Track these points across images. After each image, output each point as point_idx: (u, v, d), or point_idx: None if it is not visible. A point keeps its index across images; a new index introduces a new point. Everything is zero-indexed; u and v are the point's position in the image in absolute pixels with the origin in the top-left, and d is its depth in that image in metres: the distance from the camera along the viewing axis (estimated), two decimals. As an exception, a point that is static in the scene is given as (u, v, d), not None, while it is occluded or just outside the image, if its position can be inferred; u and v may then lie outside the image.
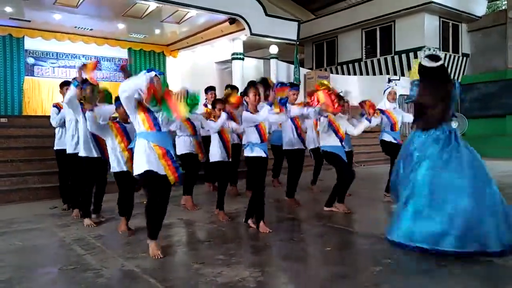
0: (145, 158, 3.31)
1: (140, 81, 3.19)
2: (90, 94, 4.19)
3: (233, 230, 4.40)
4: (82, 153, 4.53)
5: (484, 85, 14.21)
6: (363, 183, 7.05)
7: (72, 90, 4.33)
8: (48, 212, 5.39)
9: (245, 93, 4.45)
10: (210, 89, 6.63)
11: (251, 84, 4.44)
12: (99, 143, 4.49)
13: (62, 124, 5.24)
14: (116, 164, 4.12)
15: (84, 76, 4.35)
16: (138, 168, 3.37)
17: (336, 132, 4.99)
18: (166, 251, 3.56)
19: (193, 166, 5.55)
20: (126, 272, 3.10)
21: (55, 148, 5.38)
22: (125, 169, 4.09)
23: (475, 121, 13.57)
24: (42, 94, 12.01)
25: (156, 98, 3.24)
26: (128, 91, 3.22)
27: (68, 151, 4.97)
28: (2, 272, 3.12)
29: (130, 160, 3.82)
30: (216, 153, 4.87)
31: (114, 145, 4.11)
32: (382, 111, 5.55)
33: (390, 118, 5.62)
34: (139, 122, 3.35)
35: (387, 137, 5.68)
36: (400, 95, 11.03)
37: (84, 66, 4.41)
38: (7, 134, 7.63)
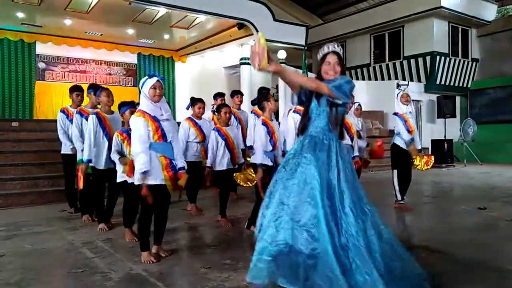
0: (151, 169, 3.33)
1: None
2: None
3: (239, 235, 4.41)
4: (101, 166, 4.51)
5: (493, 90, 14.09)
6: (372, 188, 7.03)
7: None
8: (58, 215, 5.44)
9: (259, 100, 4.43)
10: (219, 95, 6.63)
11: (268, 92, 4.42)
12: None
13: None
14: (122, 175, 4.12)
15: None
16: (138, 179, 3.39)
17: (347, 130, 5.10)
18: (173, 255, 3.58)
19: (198, 174, 5.55)
20: (134, 275, 3.12)
21: (61, 152, 5.40)
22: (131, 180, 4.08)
23: (484, 127, 13.45)
24: (52, 98, 12.15)
25: None
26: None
27: (79, 157, 4.98)
28: (12, 274, 3.16)
29: (131, 170, 3.70)
30: (221, 162, 4.87)
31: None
32: (399, 116, 5.52)
33: (407, 123, 5.46)
34: (149, 133, 3.36)
35: (399, 142, 5.54)
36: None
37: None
38: (18, 138, 7.72)
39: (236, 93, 6.73)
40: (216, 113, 6.36)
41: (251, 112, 6.31)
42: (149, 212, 3.45)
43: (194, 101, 5.57)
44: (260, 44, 2.33)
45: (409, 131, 5.46)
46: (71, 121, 5.19)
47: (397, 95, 5.74)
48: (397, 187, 5.58)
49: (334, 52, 2.74)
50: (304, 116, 2.77)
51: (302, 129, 2.75)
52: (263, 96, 4.38)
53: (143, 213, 3.45)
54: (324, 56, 2.75)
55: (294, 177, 2.53)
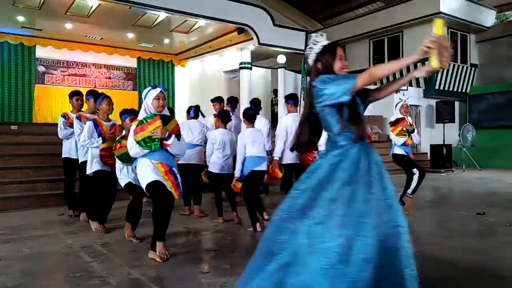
0: (151, 171, 3.42)
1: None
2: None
3: (239, 239, 4.41)
4: (92, 168, 4.57)
5: (492, 96, 14.12)
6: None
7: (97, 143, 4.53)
8: (56, 218, 5.43)
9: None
10: (217, 99, 6.71)
11: None
12: None
13: (69, 136, 5.28)
14: (126, 176, 4.18)
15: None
16: (146, 180, 3.45)
17: None
18: (172, 259, 3.57)
19: (199, 176, 5.63)
20: (132, 280, 3.11)
21: (63, 156, 5.41)
22: (130, 180, 4.16)
23: (483, 132, 13.46)
24: (52, 102, 12.15)
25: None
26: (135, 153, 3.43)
27: (80, 160, 5.00)
28: (10, 278, 3.15)
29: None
30: (216, 164, 5.05)
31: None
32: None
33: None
34: None
35: (398, 150, 5.63)
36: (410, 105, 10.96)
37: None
38: (17, 141, 7.72)
39: (232, 100, 6.92)
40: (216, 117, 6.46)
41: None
42: (161, 206, 3.47)
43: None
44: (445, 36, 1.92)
45: (405, 141, 5.51)
46: (71, 125, 5.22)
47: (396, 105, 5.77)
48: (412, 186, 5.51)
49: (341, 46, 2.34)
50: (362, 119, 2.31)
51: (363, 135, 2.26)
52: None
53: (156, 208, 3.50)
54: (335, 49, 2.27)
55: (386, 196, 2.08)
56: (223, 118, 5.14)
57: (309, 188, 2.09)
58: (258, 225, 4.61)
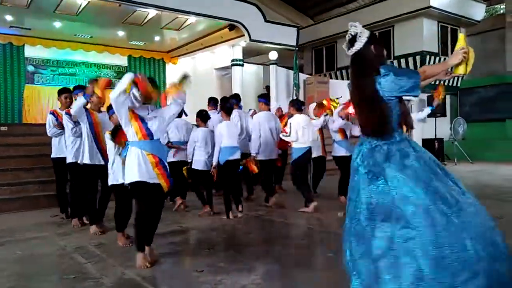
0: (137, 168, 3.31)
1: (124, 80, 3.27)
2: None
3: (233, 237, 4.41)
4: (86, 160, 4.51)
5: (483, 89, 14.23)
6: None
7: (80, 101, 4.42)
8: (49, 220, 5.38)
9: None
10: (211, 100, 6.76)
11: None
12: (102, 150, 4.48)
13: (58, 134, 5.21)
14: (113, 177, 4.07)
15: (94, 90, 4.33)
16: (129, 177, 3.38)
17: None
18: (166, 258, 3.56)
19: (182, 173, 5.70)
20: (127, 280, 3.09)
21: (52, 156, 5.33)
22: (121, 181, 3.99)
23: (474, 125, 13.58)
24: (42, 101, 12.01)
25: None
26: (116, 94, 3.24)
27: (68, 161, 4.94)
28: (4, 281, 3.12)
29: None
30: (200, 162, 5.30)
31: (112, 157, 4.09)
32: None
33: None
34: (132, 131, 3.35)
35: None
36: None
37: (95, 81, 4.30)
38: (7, 143, 7.62)
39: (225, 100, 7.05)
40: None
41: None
42: (144, 212, 3.41)
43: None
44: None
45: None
46: (60, 126, 5.15)
47: None
48: None
49: None
50: None
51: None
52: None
53: (138, 213, 3.42)
54: (380, 38, 2.35)
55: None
56: (202, 117, 5.41)
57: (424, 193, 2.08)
58: (230, 213, 5.11)
